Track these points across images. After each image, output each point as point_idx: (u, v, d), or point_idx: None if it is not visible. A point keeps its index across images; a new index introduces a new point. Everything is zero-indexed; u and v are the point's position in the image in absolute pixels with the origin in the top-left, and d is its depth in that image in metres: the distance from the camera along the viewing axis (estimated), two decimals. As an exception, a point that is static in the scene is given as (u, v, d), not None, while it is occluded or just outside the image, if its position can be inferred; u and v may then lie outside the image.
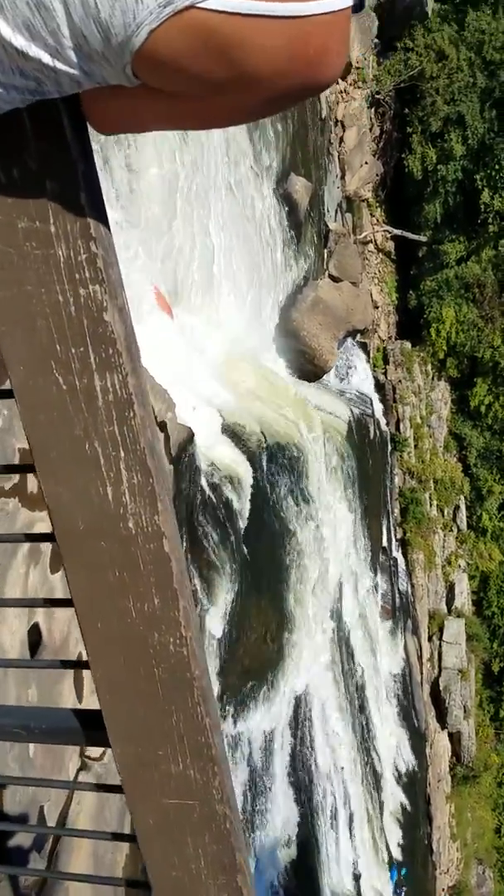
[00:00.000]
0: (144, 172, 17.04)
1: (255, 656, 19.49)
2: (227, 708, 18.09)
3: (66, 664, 2.01)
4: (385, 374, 30.66)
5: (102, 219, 1.29)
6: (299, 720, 21.99)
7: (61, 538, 1.58)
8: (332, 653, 24.20)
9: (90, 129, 1.25)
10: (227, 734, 17.83)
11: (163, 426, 14.22)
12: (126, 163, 16.45)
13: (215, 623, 16.87)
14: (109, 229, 1.32)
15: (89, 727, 1.98)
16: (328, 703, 23.84)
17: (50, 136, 1.22)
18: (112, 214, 15.93)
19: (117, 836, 2.42)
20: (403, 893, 28.71)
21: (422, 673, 31.04)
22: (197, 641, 1.64)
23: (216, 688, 17.05)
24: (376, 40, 32.22)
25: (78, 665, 1.89)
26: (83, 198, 1.25)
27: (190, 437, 15.28)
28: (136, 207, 16.84)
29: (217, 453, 17.37)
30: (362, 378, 29.10)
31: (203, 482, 16.69)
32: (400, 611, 30.36)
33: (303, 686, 22.21)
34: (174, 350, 16.67)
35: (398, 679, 29.79)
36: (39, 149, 1.23)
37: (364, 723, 26.73)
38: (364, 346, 29.99)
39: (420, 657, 30.98)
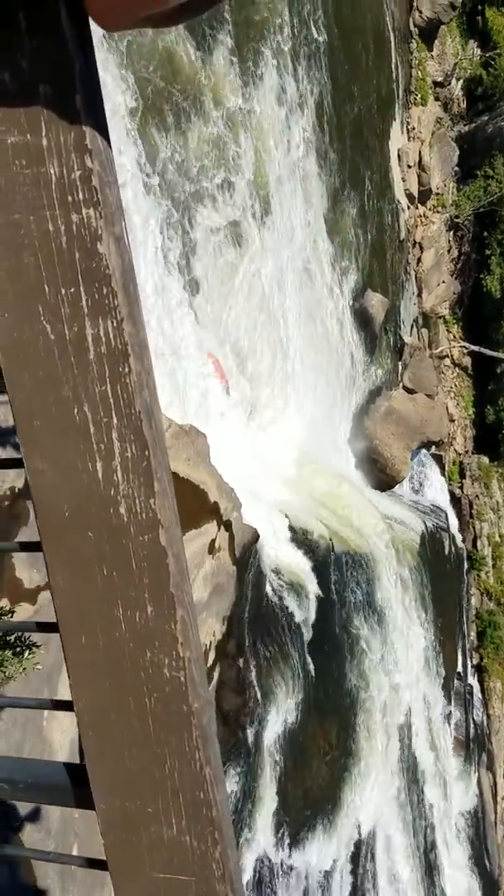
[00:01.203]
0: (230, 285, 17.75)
1: (315, 778, 18.24)
2: (284, 834, 16.81)
3: (57, 704, 1.72)
4: (461, 488, 29.93)
5: (101, 127, 1.13)
6: (360, 857, 20.23)
7: (44, 528, 1.34)
8: (398, 784, 22.49)
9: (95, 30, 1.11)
10: (282, 863, 16.50)
11: (228, 525, 14.00)
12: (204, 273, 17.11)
13: (273, 735, 15.94)
14: (109, 141, 1.16)
15: (79, 784, 1.67)
16: (393, 840, 21.94)
17: (45, 31, 1.08)
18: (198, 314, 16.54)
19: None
20: None
21: (496, 812, 28.47)
22: (197, 664, 1.35)
23: (272, 806, 15.94)
24: (456, 168, 33.36)
25: (63, 706, 1.61)
26: (79, 101, 1.10)
27: (255, 538, 14.98)
28: (220, 309, 17.39)
29: (283, 558, 16.95)
30: (437, 491, 28.44)
31: (267, 586, 16.22)
32: (474, 743, 28.25)
33: (366, 819, 20.58)
34: (244, 449, 16.66)
35: (470, 818, 27.34)
36: (33, 46, 1.09)
37: (431, 864, 24.43)
38: (439, 459, 29.50)
39: (495, 795, 28.51)
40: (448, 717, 27.17)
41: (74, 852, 9.67)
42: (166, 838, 1.43)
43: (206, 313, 17.06)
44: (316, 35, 22.36)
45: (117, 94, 14.52)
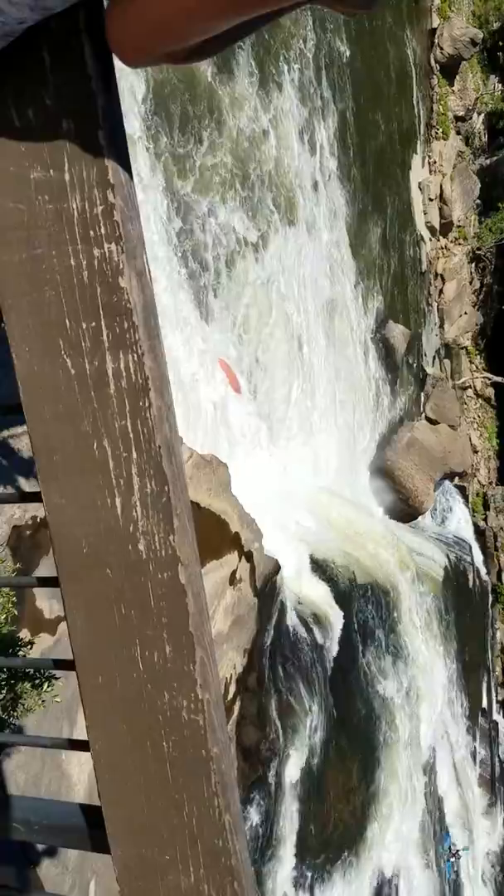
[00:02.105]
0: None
1: (336, 817, 17.87)
2: (304, 876, 16.43)
3: (73, 744, 1.69)
4: (485, 520, 29.61)
5: (123, 162, 1.13)
6: (383, 902, 19.71)
7: (61, 565, 1.32)
8: (421, 824, 21.95)
9: (119, 66, 1.12)
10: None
11: (249, 556, 13.93)
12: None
13: (294, 771, 15.66)
14: (131, 176, 1.16)
15: (95, 827, 1.63)
16: (416, 883, 21.37)
17: (69, 68, 1.09)
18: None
19: None
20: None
21: (525, 855, 27.64)
22: (216, 708, 1.31)
23: (292, 845, 15.61)
24: (478, 201, 33.53)
25: (79, 746, 1.57)
26: (102, 136, 1.10)
27: (276, 569, 14.88)
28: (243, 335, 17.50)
29: (304, 589, 16.81)
30: (460, 523, 28.16)
31: (289, 618, 16.06)
32: (500, 782, 27.56)
33: (389, 861, 20.08)
34: (266, 479, 16.63)
35: (496, 860, 26.56)
36: (57, 83, 1.10)
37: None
38: (462, 490, 29.25)
39: (522, 837, 27.71)
40: (473, 754, 26.59)
41: (91, 889, 9.53)
42: (184, 888, 1.38)
43: (230, 341, 17.20)
44: (337, 72, 22.72)
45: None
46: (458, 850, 23.94)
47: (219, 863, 1.35)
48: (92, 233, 1.14)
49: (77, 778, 9.89)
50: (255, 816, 14.96)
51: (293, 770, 15.85)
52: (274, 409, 18.72)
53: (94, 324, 1.18)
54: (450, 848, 23.92)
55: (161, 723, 1.32)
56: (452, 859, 23.79)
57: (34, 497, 1.46)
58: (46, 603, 9.81)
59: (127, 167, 1.15)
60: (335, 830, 17.85)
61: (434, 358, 29.76)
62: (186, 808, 1.35)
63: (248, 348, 17.80)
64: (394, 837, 20.16)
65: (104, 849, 1.56)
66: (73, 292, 1.18)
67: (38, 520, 9.35)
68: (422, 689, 22.20)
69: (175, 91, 15.98)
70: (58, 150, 1.12)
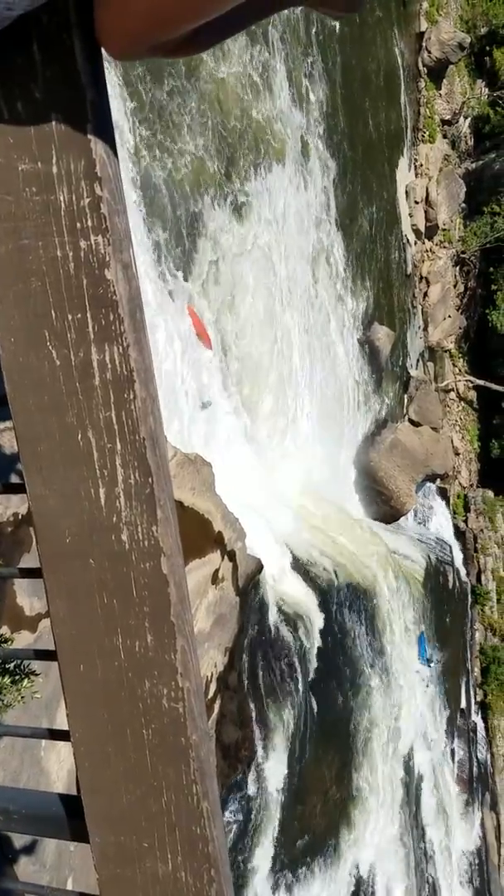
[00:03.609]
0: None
1: (316, 815, 17.92)
2: (282, 873, 16.46)
3: (53, 733, 1.70)
4: (466, 521, 29.80)
5: (111, 157, 1.15)
6: (361, 897, 19.80)
7: (44, 554, 1.33)
8: (399, 823, 22.06)
9: (108, 60, 1.13)
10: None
11: (232, 555, 13.93)
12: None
13: (274, 770, 15.68)
14: (119, 170, 1.17)
15: (74, 816, 1.64)
16: (394, 882, 21.46)
17: (59, 62, 1.10)
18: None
19: None
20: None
21: (500, 854, 27.83)
22: (196, 696, 1.32)
23: (270, 847, 15.64)
24: (464, 205, 33.74)
25: (59, 735, 1.58)
26: (90, 129, 1.11)
27: (259, 568, 14.90)
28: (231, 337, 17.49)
29: (286, 589, 16.84)
30: (441, 524, 28.32)
31: (270, 618, 16.08)
32: (478, 782, 27.75)
33: (367, 858, 20.16)
34: (248, 478, 16.63)
35: (473, 859, 26.73)
36: (47, 76, 1.11)
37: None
38: (444, 492, 29.42)
39: (498, 836, 27.91)
40: (451, 754, 26.75)
41: (69, 886, 9.49)
42: (161, 874, 1.40)
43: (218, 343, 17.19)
44: (324, 74, 22.78)
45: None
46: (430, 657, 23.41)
47: (196, 850, 1.36)
48: (79, 225, 1.15)
49: (56, 775, 9.85)
50: (233, 814, 14.98)
51: (273, 769, 15.87)
52: (259, 410, 18.74)
53: (79, 315, 1.19)
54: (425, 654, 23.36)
55: (141, 710, 1.33)
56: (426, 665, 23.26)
57: (18, 488, 1.47)
58: (27, 600, 9.77)
59: (114, 162, 1.16)
60: (314, 827, 17.91)
61: (418, 361, 29.91)
62: (165, 795, 1.36)
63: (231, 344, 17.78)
64: (372, 835, 20.24)
65: (83, 837, 1.57)
66: (60, 284, 1.19)
67: (20, 516, 9.31)
68: (402, 690, 22.31)
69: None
70: (46, 143, 1.13)
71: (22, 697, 6.10)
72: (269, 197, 19.50)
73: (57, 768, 9.86)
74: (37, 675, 6.21)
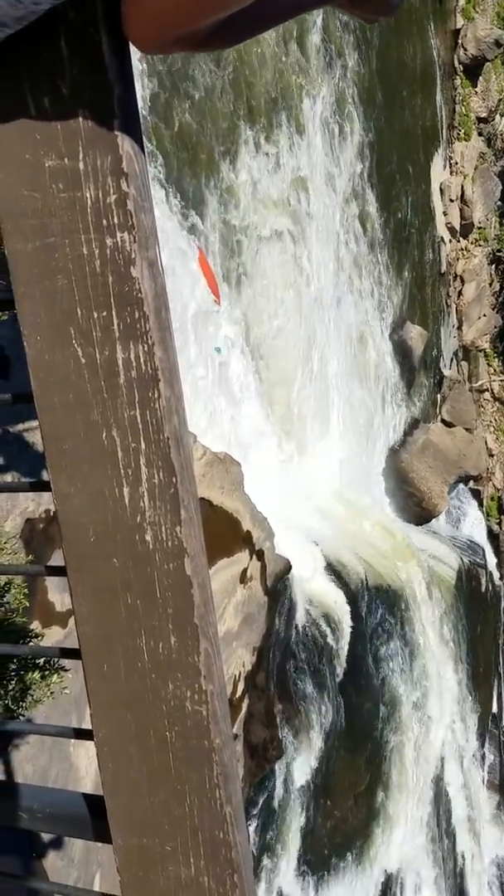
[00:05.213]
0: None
1: (343, 819, 17.84)
2: (308, 875, 16.42)
3: (78, 733, 1.69)
4: (500, 524, 29.44)
5: (137, 153, 1.14)
6: (388, 903, 19.67)
7: (69, 553, 1.33)
8: (428, 828, 21.88)
9: (135, 53, 1.12)
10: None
11: (260, 554, 13.93)
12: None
13: (301, 771, 15.65)
14: (146, 166, 1.16)
15: (98, 817, 1.64)
16: (422, 885, 21.30)
17: (86, 57, 1.10)
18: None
19: None
20: None
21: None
22: (220, 699, 1.31)
23: (297, 845, 15.60)
24: (499, 203, 33.31)
25: (84, 735, 1.58)
26: (117, 125, 1.10)
27: (287, 568, 14.87)
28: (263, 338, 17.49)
29: (315, 589, 16.78)
30: (474, 526, 28.00)
31: (299, 618, 16.04)
32: (509, 787, 27.40)
33: (395, 863, 20.03)
34: (278, 477, 16.61)
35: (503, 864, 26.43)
36: (73, 73, 1.10)
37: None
38: (477, 494, 29.09)
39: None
40: (482, 759, 26.46)
41: (96, 883, 9.57)
42: (184, 878, 1.39)
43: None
44: (360, 69, 22.65)
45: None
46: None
47: (219, 854, 1.35)
48: (105, 222, 1.15)
49: (85, 770, 9.94)
50: (259, 814, 14.98)
51: (300, 770, 15.84)
52: (291, 408, 18.70)
53: (105, 313, 1.19)
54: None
55: (165, 713, 1.32)
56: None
57: (43, 486, 1.47)
58: (58, 596, 9.86)
59: (141, 158, 1.15)
60: (340, 830, 17.84)
61: (452, 360, 29.62)
62: (188, 798, 1.35)
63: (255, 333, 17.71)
64: (400, 839, 20.11)
65: (106, 838, 1.56)
66: (85, 281, 1.18)
67: (52, 513, 9.40)
68: (432, 693, 22.12)
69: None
70: (73, 139, 1.13)
71: (51, 693, 6.15)
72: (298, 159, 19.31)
73: (86, 764, 9.95)
74: (66, 670, 6.26)
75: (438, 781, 22.73)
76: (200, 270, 14.92)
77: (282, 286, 18.39)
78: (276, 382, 18.11)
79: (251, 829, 14.48)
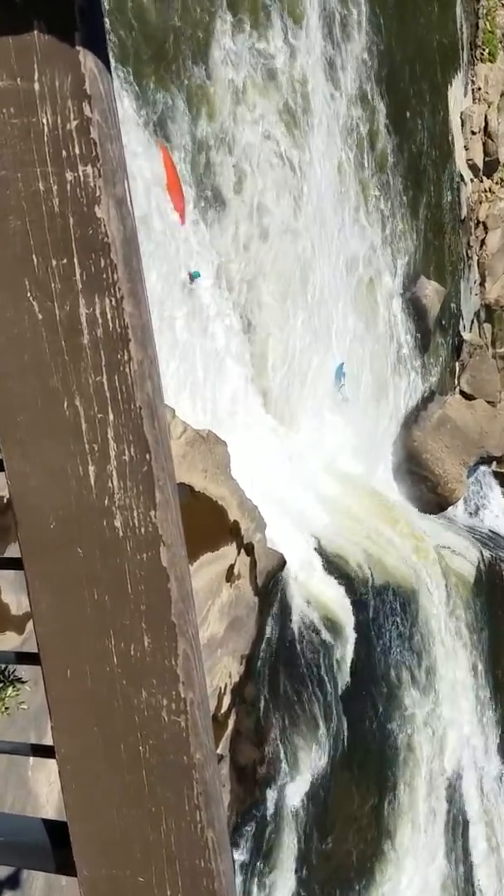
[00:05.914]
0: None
1: (343, 850, 18.09)
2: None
3: (36, 749, 1.71)
4: (526, 513, 29.69)
5: (102, 71, 1.13)
6: None
7: (26, 542, 1.34)
8: (443, 861, 22.21)
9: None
10: None
11: (250, 549, 14.00)
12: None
13: (295, 796, 15.85)
14: (112, 87, 1.16)
15: (61, 845, 1.66)
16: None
17: None
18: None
19: None
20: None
21: None
22: (201, 709, 1.33)
23: (290, 881, 15.82)
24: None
25: (43, 751, 1.60)
26: (79, 39, 1.10)
27: (281, 564, 14.96)
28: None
29: (313, 588, 16.89)
30: (497, 515, 28.20)
31: (294, 621, 16.17)
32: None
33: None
34: (269, 459, 16.64)
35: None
36: None
37: None
38: (500, 477, 29.27)
39: None
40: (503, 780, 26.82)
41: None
42: None
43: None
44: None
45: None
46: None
47: (199, 886, 1.37)
48: (64, 153, 1.14)
49: (46, 798, 10.02)
50: (247, 845, 15.16)
51: (294, 795, 16.03)
52: (288, 376, 18.70)
53: (65, 261, 1.19)
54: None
55: (137, 724, 1.34)
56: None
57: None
58: (13, 597, 9.88)
59: (107, 77, 1.15)
60: (341, 864, 18.08)
61: (472, 322, 29.61)
62: (164, 822, 1.37)
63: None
64: (410, 875, 20.37)
65: (70, 870, 1.59)
66: (42, 222, 1.18)
67: (6, 500, 9.39)
68: (446, 705, 22.37)
69: None
70: (26, 56, 1.12)
71: (6, 709, 6.18)
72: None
73: (47, 790, 10.03)
74: (24, 682, 6.28)
75: (454, 806, 23.05)
76: (165, 173, 14.39)
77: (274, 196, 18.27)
78: (264, 336, 18.02)
79: (237, 862, 14.68)
